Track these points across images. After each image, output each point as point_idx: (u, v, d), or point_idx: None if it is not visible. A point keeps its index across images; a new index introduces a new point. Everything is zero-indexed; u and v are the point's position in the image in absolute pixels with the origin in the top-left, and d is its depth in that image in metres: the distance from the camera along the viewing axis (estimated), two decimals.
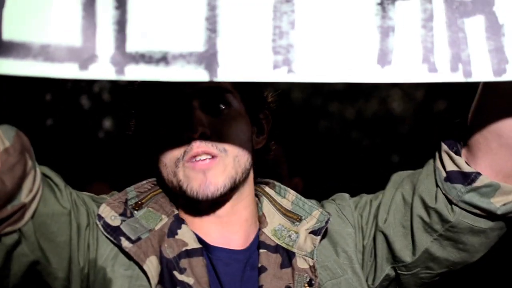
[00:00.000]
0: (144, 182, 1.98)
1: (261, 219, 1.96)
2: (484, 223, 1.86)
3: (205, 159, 1.84)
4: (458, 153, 1.86)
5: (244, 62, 1.59)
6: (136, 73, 1.56)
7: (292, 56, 1.60)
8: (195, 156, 1.83)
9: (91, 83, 8.13)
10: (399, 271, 1.95)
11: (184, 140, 1.84)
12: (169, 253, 1.84)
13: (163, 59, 1.57)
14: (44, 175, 1.76)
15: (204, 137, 1.83)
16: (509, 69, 1.66)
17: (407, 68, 1.63)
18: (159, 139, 1.88)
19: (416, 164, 2.00)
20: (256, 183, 2.01)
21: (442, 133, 1.92)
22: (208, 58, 1.58)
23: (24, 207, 1.68)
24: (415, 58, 1.63)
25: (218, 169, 1.84)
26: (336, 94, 9.38)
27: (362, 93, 9.37)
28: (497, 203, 1.83)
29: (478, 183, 1.82)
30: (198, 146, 1.83)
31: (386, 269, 1.95)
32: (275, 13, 1.60)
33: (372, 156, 8.73)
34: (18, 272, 1.74)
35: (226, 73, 1.59)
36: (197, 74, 1.58)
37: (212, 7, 1.59)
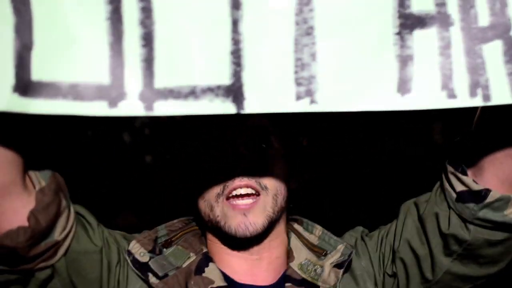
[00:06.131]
0: (176, 221, 2.04)
1: (288, 254, 1.99)
2: (500, 235, 1.86)
3: (246, 196, 1.88)
4: (464, 173, 1.86)
5: (268, 94, 1.60)
6: (165, 108, 1.58)
7: (314, 87, 1.61)
8: (235, 189, 1.87)
9: (132, 119, 8.21)
10: None
11: (226, 175, 1.88)
12: None
13: (192, 93, 1.58)
14: (78, 213, 1.82)
15: (247, 172, 1.88)
16: None
17: (427, 95, 1.64)
18: (201, 175, 1.93)
19: None
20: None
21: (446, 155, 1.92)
22: (235, 91, 1.59)
23: (57, 245, 1.73)
24: (434, 85, 1.64)
25: (259, 209, 1.88)
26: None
27: None
28: (510, 214, 1.83)
29: (489, 199, 1.82)
30: (241, 180, 1.88)
31: None
32: (296, 46, 1.62)
33: None
34: None
35: (252, 105, 1.60)
36: (225, 107, 1.59)
37: (236, 41, 1.60)
